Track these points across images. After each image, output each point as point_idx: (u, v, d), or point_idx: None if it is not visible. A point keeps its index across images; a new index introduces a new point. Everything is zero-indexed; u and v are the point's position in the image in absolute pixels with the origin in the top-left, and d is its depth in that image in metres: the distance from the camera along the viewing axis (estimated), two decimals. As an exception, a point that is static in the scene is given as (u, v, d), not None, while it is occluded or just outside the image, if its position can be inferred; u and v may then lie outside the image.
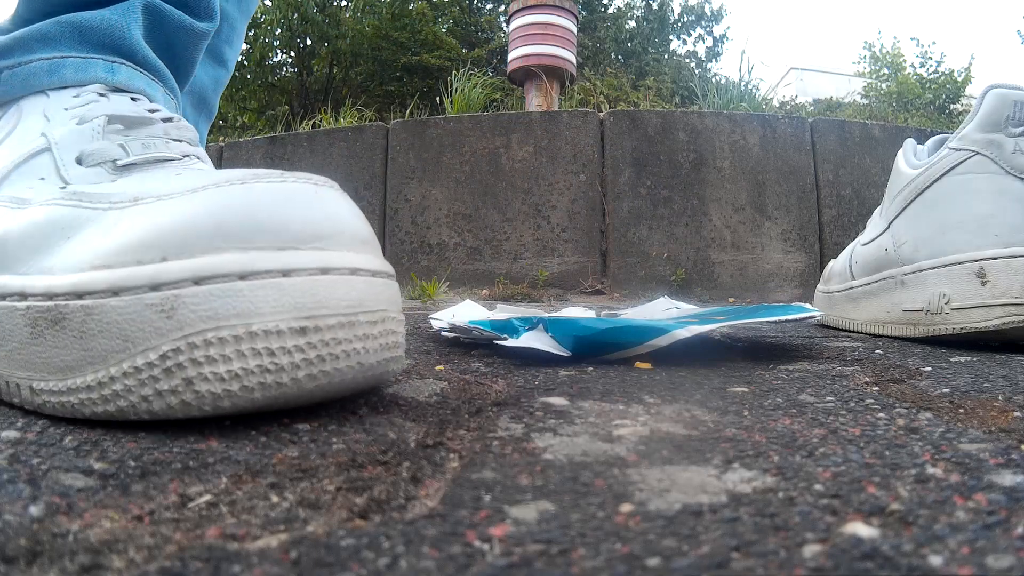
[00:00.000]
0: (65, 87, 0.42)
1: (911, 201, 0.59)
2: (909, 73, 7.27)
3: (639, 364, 0.42)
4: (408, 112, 2.61)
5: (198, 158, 0.37)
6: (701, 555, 0.15)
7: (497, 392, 0.33)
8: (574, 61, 3.07)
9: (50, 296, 0.25)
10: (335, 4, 5.86)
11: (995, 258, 0.50)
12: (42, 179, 0.33)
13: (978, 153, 0.54)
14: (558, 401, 0.31)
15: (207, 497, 0.19)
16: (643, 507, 0.18)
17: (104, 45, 0.45)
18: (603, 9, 8.53)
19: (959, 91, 6.72)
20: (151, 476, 0.20)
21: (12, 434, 0.24)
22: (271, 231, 0.25)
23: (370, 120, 2.72)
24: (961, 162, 0.54)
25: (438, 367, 0.40)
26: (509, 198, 1.80)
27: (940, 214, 0.55)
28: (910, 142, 0.65)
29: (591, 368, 0.40)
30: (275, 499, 0.19)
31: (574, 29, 3.07)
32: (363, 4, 5.93)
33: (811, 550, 0.15)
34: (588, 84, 4.15)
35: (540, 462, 0.22)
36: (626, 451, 0.23)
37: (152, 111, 0.39)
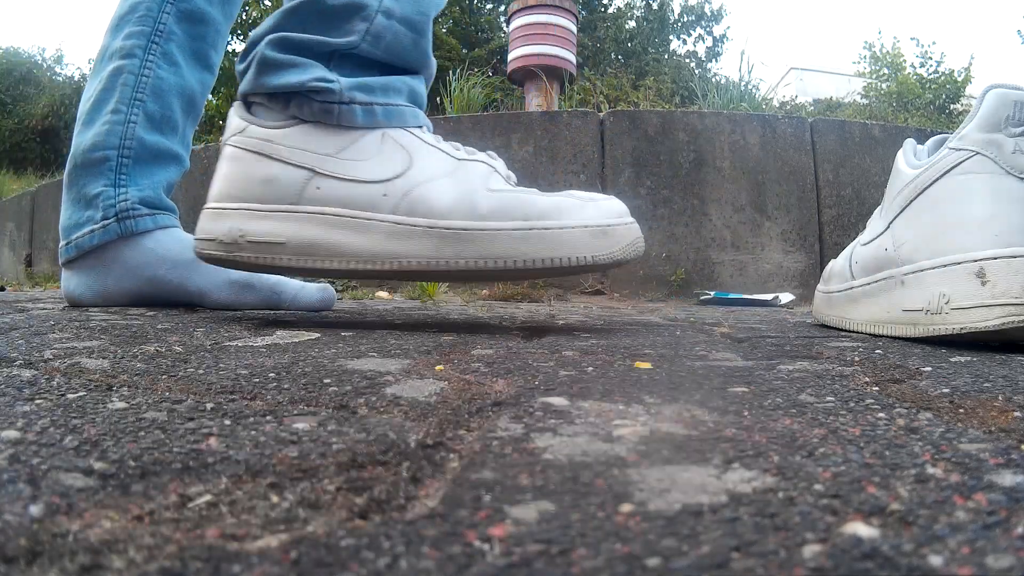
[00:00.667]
0: (415, 127, 0.68)
1: (911, 201, 0.59)
2: (909, 73, 7.27)
3: (639, 364, 0.42)
4: (408, 112, 2.61)
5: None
6: (701, 555, 0.15)
7: (497, 392, 0.33)
8: (574, 61, 3.07)
9: (598, 225, 0.61)
10: (335, 4, 5.85)
11: (995, 258, 0.50)
12: (506, 184, 0.65)
13: (978, 153, 0.54)
14: (558, 401, 0.31)
15: (207, 497, 0.19)
16: (643, 507, 0.18)
17: (420, 104, 0.71)
18: (603, 9, 8.53)
19: (959, 91, 6.73)
20: (151, 476, 0.20)
21: (12, 434, 0.24)
22: (627, 210, 0.64)
23: (370, 120, 2.71)
24: (961, 162, 0.54)
25: (438, 367, 0.40)
26: (509, 198, 1.80)
27: (940, 214, 0.55)
28: (910, 142, 0.65)
29: (591, 368, 0.40)
30: (275, 499, 0.19)
31: (574, 29, 3.08)
32: (363, 4, 5.91)
33: (811, 550, 0.15)
34: (588, 84, 4.15)
35: (540, 462, 0.22)
36: (626, 451, 0.23)
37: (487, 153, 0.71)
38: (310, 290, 0.86)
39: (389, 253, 0.61)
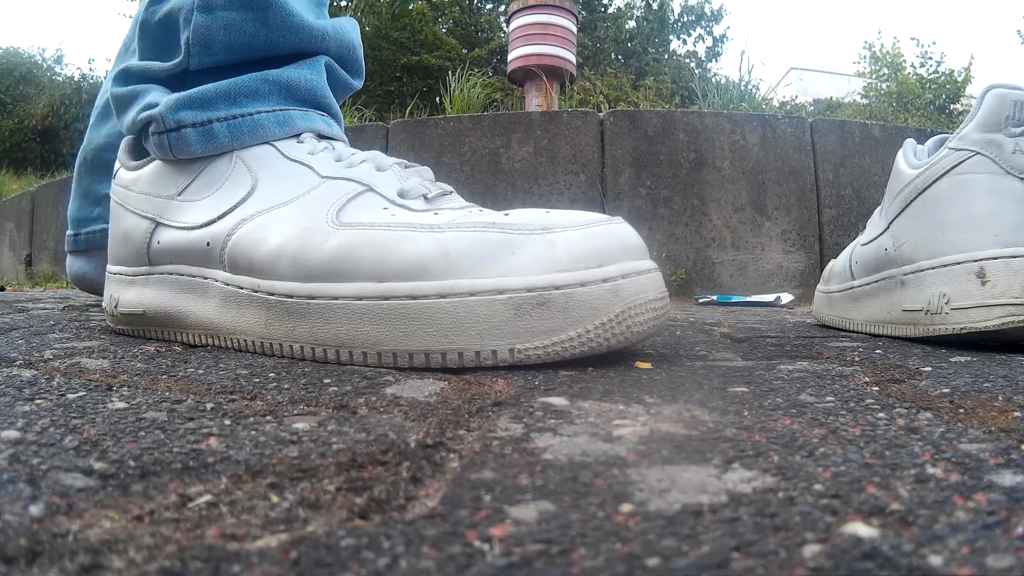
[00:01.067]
0: (288, 138, 0.49)
1: (911, 201, 0.59)
2: (909, 73, 7.28)
3: (639, 364, 0.42)
4: (408, 112, 2.61)
5: (452, 190, 0.48)
6: (701, 555, 0.15)
7: (497, 392, 0.33)
8: (574, 61, 3.07)
9: (530, 289, 0.38)
10: (335, 4, 5.86)
11: (995, 258, 0.50)
12: (384, 208, 0.43)
13: (978, 153, 0.54)
14: (558, 401, 0.31)
15: (207, 497, 0.19)
16: (643, 507, 0.18)
17: (306, 100, 0.52)
18: (603, 9, 8.54)
19: (959, 91, 6.73)
20: (151, 476, 0.20)
21: (12, 434, 0.24)
22: (636, 248, 0.41)
23: (370, 120, 2.72)
24: (961, 162, 0.54)
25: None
26: (509, 198, 1.80)
27: (940, 214, 0.55)
28: (910, 142, 0.65)
29: (591, 368, 0.40)
30: (275, 499, 0.19)
31: (574, 29, 3.07)
32: (363, 4, 5.92)
33: (811, 550, 0.15)
34: (588, 84, 4.15)
35: (540, 462, 0.22)
36: (626, 451, 0.23)
37: (398, 162, 0.49)
38: None
39: (227, 325, 0.45)
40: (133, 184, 0.53)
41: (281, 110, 0.50)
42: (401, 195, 0.44)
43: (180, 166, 0.50)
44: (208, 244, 0.46)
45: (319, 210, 0.43)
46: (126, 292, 0.53)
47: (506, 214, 0.41)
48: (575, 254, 0.38)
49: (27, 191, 3.53)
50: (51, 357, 0.41)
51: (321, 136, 0.51)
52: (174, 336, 0.50)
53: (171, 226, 0.49)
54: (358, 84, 0.59)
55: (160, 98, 0.50)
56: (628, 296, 0.39)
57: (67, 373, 0.36)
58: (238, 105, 0.49)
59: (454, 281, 0.38)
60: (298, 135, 0.50)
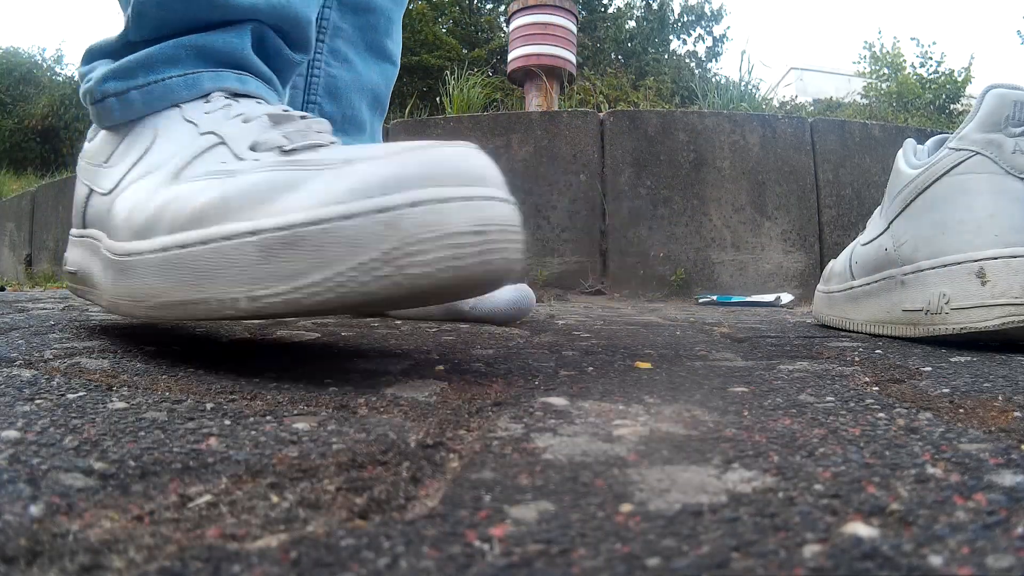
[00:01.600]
0: (195, 99, 0.50)
1: (911, 201, 0.59)
2: (909, 73, 7.27)
3: (639, 364, 0.42)
4: (408, 112, 2.61)
5: (334, 141, 0.43)
6: (701, 555, 0.15)
7: (497, 392, 0.33)
8: (574, 61, 3.08)
9: (283, 227, 0.32)
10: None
11: (995, 258, 0.50)
12: (224, 163, 0.40)
13: (978, 153, 0.54)
14: (558, 401, 0.31)
15: (207, 497, 0.19)
16: (643, 507, 0.18)
17: (225, 62, 0.53)
18: (603, 9, 8.54)
19: (959, 91, 6.73)
20: (151, 476, 0.20)
21: (12, 434, 0.24)
22: (462, 173, 0.32)
23: (370, 120, 2.71)
24: (961, 162, 0.54)
25: (438, 367, 0.40)
26: (509, 198, 1.80)
27: (940, 214, 0.55)
28: (910, 142, 0.65)
29: (591, 368, 0.40)
30: (275, 499, 0.19)
31: (574, 29, 3.08)
32: (363, 4, 5.90)
33: (811, 550, 0.15)
34: (588, 84, 4.15)
35: (540, 462, 0.22)
36: (626, 451, 0.23)
37: (285, 110, 0.46)
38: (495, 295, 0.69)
39: (110, 291, 0.45)
40: (84, 155, 0.56)
41: (193, 73, 0.51)
42: (253, 148, 0.41)
43: (111, 134, 0.53)
44: (109, 211, 0.48)
45: (165, 168, 0.43)
46: (71, 252, 0.56)
47: (330, 148, 0.39)
48: (363, 184, 0.32)
49: (27, 191, 3.53)
50: (51, 357, 0.41)
51: (236, 95, 0.51)
52: (93, 297, 0.52)
53: (97, 191, 0.51)
54: (300, 58, 0.59)
55: (91, 72, 0.53)
56: (411, 228, 0.30)
57: (67, 373, 0.36)
58: (155, 72, 0.50)
59: (218, 227, 0.35)
60: (206, 95, 0.50)
